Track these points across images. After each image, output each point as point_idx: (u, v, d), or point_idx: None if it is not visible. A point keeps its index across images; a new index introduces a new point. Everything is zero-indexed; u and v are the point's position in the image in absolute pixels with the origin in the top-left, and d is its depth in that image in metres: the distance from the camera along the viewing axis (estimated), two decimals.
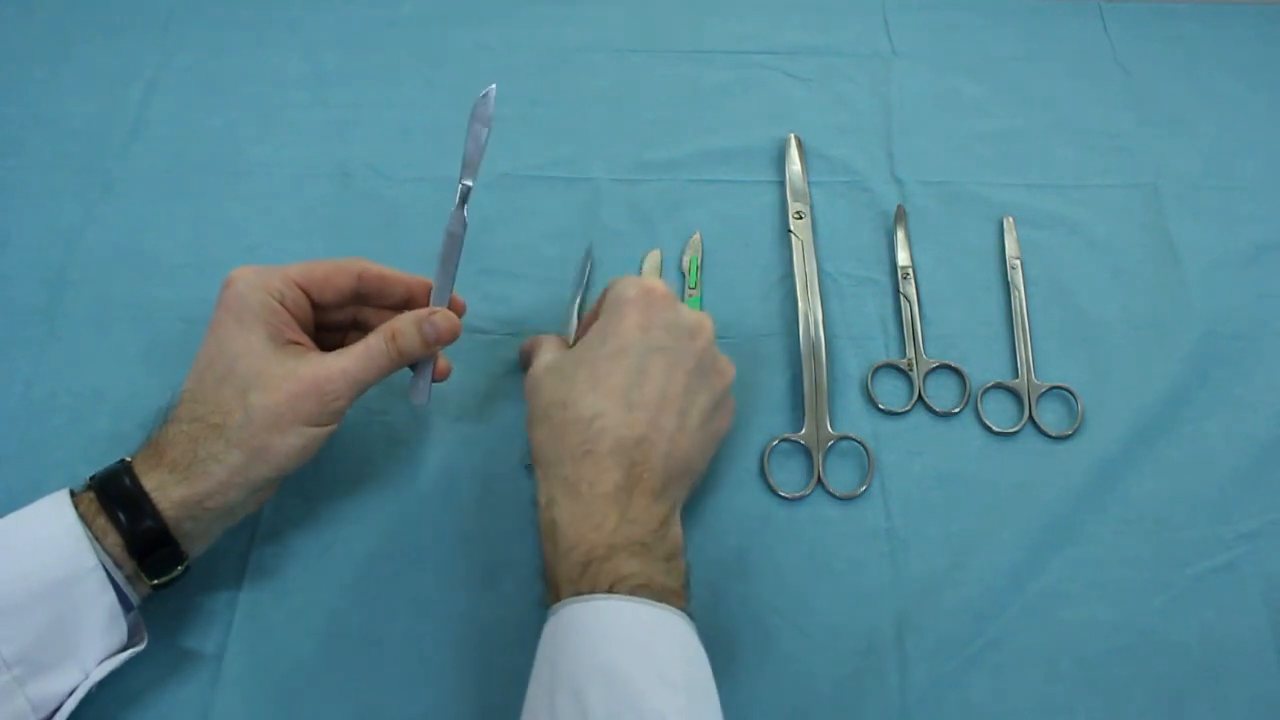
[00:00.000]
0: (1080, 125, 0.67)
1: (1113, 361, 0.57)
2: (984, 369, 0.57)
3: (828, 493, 0.53)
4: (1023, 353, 0.57)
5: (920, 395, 0.56)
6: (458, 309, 0.48)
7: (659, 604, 0.39)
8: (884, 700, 0.47)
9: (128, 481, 0.41)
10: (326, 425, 0.44)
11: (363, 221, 0.61)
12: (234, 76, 0.67)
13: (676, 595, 0.40)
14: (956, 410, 0.55)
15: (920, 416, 0.56)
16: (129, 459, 0.42)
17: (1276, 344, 0.58)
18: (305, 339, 0.46)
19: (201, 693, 0.46)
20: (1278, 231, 0.63)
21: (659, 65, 0.69)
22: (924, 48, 0.71)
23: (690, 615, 0.41)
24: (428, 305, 0.48)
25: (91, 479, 0.42)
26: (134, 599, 0.42)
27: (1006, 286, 0.60)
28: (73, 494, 0.41)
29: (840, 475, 0.53)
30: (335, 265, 0.47)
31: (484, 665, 0.47)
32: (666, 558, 0.42)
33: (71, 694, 0.39)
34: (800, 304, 0.57)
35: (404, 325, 0.46)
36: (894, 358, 0.57)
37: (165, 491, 0.41)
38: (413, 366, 0.49)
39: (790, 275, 0.59)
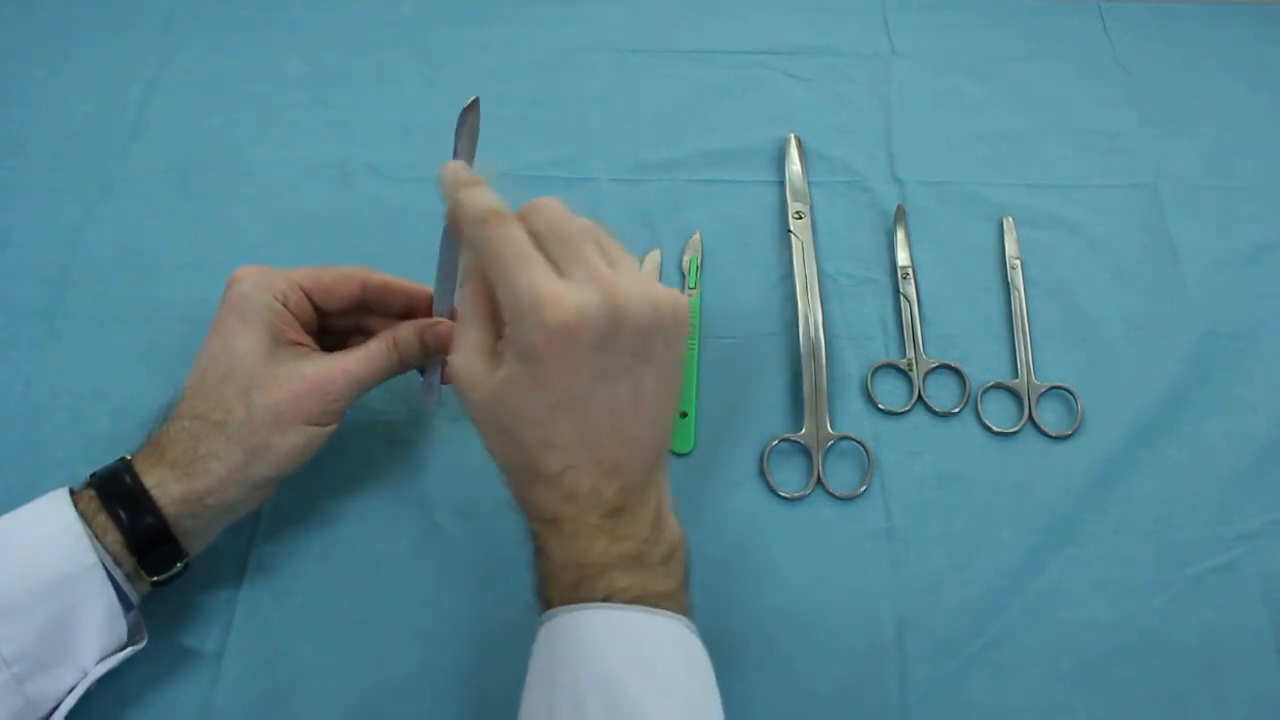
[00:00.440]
0: (1080, 125, 0.67)
1: (1113, 361, 0.57)
2: (984, 369, 0.57)
3: (828, 493, 0.53)
4: (1023, 353, 0.57)
5: (920, 395, 0.56)
6: (457, 318, 0.48)
7: (656, 611, 0.38)
8: (884, 700, 0.47)
9: (128, 479, 0.41)
10: (327, 425, 0.45)
11: (363, 221, 0.61)
12: (234, 76, 0.67)
13: (673, 597, 0.40)
14: (956, 410, 0.55)
15: (920, 416, 0.56)
16: (129, 456, 0.42)
17: (1276, 344, 0.58)
18: (308, 340, 0.46)
19: (201, 692, 0.46)
20: (1278, 231, 0.63)
21: (659, 65, 0.69)
22: (924, 48, 0.71)
23: (690, 615, 0.40)
24: (429, 315, 0.48)
25: (92, 477, 0.42)
26: (134, 597, 0.42)
27: (1006, 286, 0.60)
28: (72, 492, 0.41)
29: (840, 475, 0.53)
30: (340, 273, 0.47)
31: (484, 666, 0.47)
32: (663, 559, 0.41)
33: (71, 692, 0.39)
34: (800, 304, 0.57)
35: (406, 332, 0.46)
36: (894, 358, 0.57)
37: (165, 488, 0.41)
38: (422, 371, 0.49)
39: (790, 275, 0.59)
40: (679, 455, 0.53)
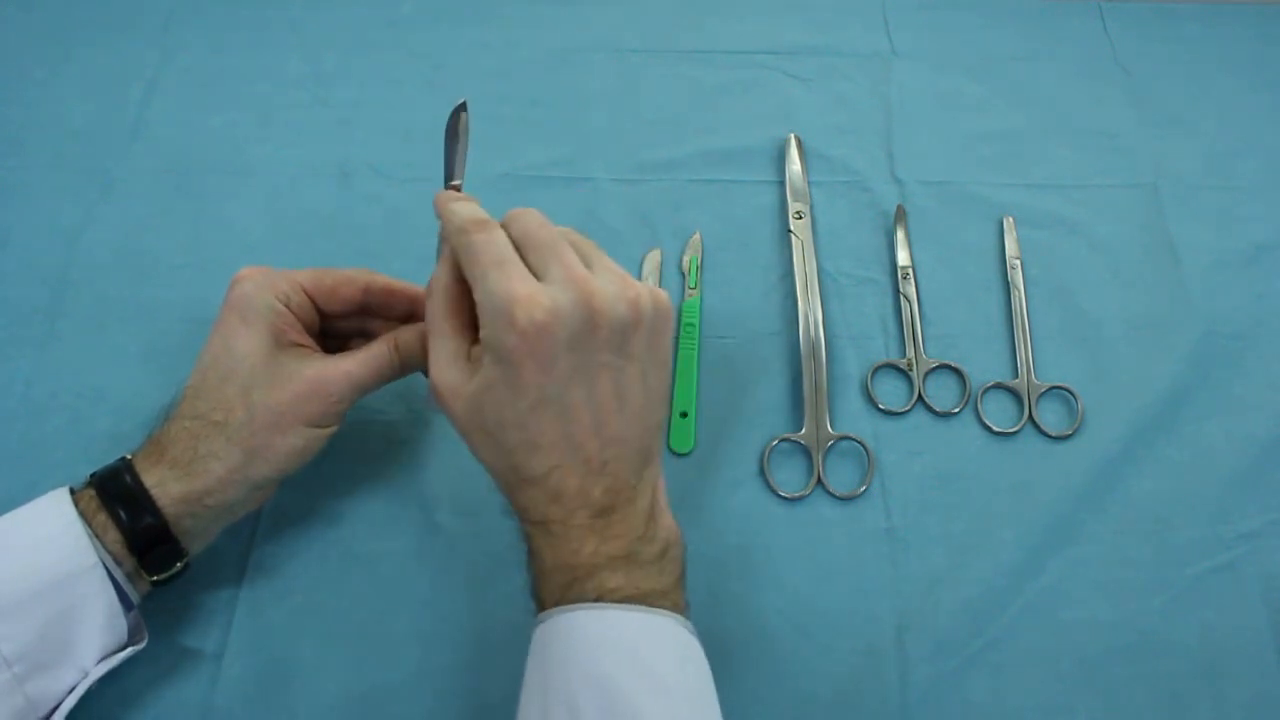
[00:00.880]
0: (1080, 125, 0.67)
1: (1113, 361, 0.57)
2: (984, 369, 0.57)
3: (828, 493, 0.53)
4: (1023, 353, 0.57)
5: (920, 395, 0.56)
6: None
7: (650, 609, 0.38)
8: (884, 700, 0.47)
9: (128, 478, 0.41)
10: (327, 427, 0.45)
11: (363, 221, 0.61)
12: (234, 76, 0.67)
13: (667, 595, 0.40)
14: (956, 410, 0.55)
15: (920, 416, 0.56)
16: (130, 456, 0.42)
17: (1276, 344, 0.58)
18: (310, 342, 0.46)
19: (201, 692, 0.46)
20: (1278, 231, 0.63)
21: (659, 65, 0.69)
22: (924, 48, 0.71)
23: (686, 611, 0.41)
24: None
25: (92, 476, 0.42)
26: (134, 597, 0.42)
27: (1006, 286, 0.60)
28: (73, 491, 0.41)
29: (840, 475, 0.53)
30: (343, 276, 0.47)
31: (484, 665, 0.47)
32: (657, 557, 0.41)
33: (71, 692, 0.39)
34: (800, 304, 0.57)
35: (407, 336, 0.46)
36: (894, 358, 0.57)
37: (165, 488, 0.41)
38: (425, 374, 0.49)
39: (790, 275, 0.59)
40: (679, 455, 0.53)
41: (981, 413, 0.55)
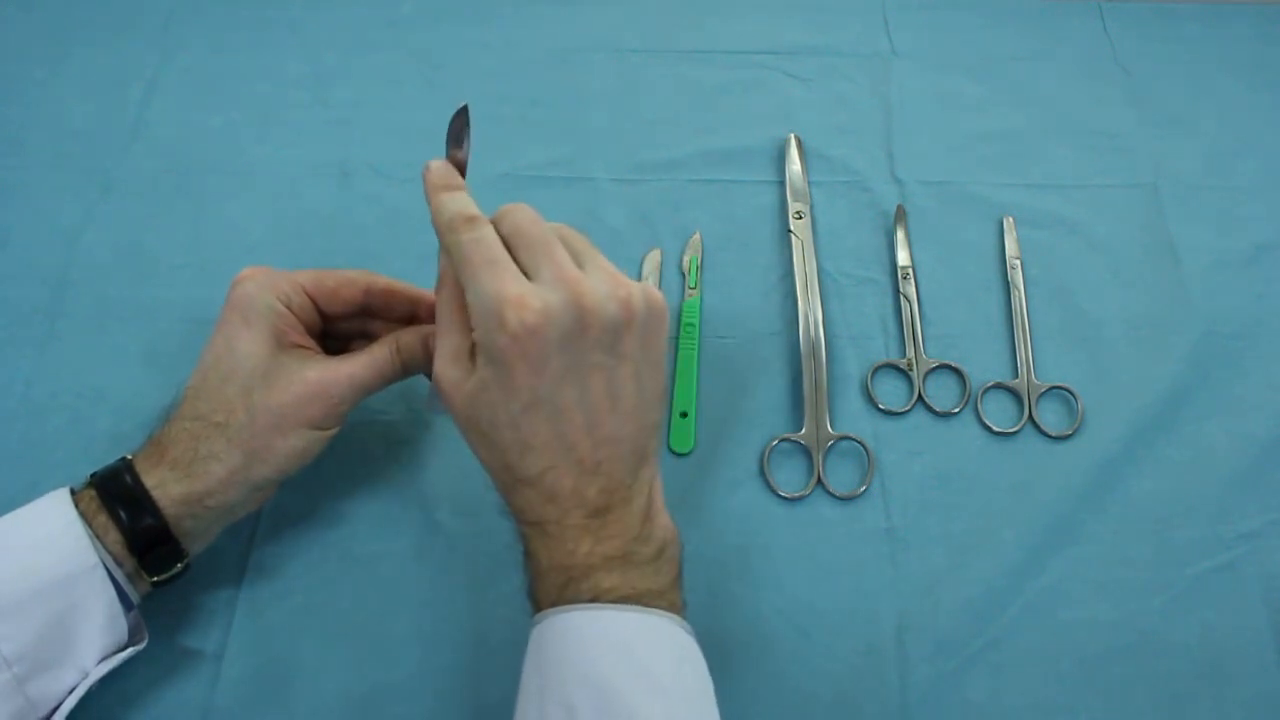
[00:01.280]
0: (1080, 125, 0.67)
1: (1113, 361, 0.57)
2: (984, 369, 0.57)
3: (828, 493, 0.53)
4: (1023, 353, 0.57)
5: (920, 395, 0.56)
6: None
7: (646, 609, 0.38)
8: (884, 700, 0.47)
9: (128, 479, 0.41)
10: (329, 429, 0.45)
11: (363, 221, 0.61)
12: (234, 76, 0.67)
13: (664, 595, 0.40)
14: (956, 410, 0.55)
15: (920, 416, 0.56)
16: (130, 456, 0.42)
17: (1276, 344, 0.58)
18: (311, 343, 0.46)
19: (201, 692, 0.46)
20: (1278, 231, 0.63)
21: (659, 65, 0.69)
22: (924, 48, 0.71)
23: (683, 611, 0.40)
24: (432, 320, 0.48)
25: (92, 476, 0.42)
26: (134, 597, 0.42)
27: (1006, 286, 0.60)
28: (73, 492, 0.41)
29: (840, 475, 0.53)
30: (344, 277, 0.47)
31: (484, 666, 0.47)
32: (653, 557, 0.41)
33: (71, 692, 0.39)
34: (800, 304, 0.57)
35: (409, 338, 0.46)
36: (894, 358, 0.57)
37: (166, 489, 0.41)
38: (428, 375, 0.49)
39: (790, 275, 0.59)
40: (679, 455, 0.53)
41: (981, 413, 0.55)
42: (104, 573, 0.40)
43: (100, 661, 0.40)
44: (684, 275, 0.60)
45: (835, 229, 0.62)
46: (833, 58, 0.70)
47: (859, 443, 0.54)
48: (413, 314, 0.48)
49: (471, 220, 0.39)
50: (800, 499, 0.52)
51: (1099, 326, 0.58)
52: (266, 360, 0.43)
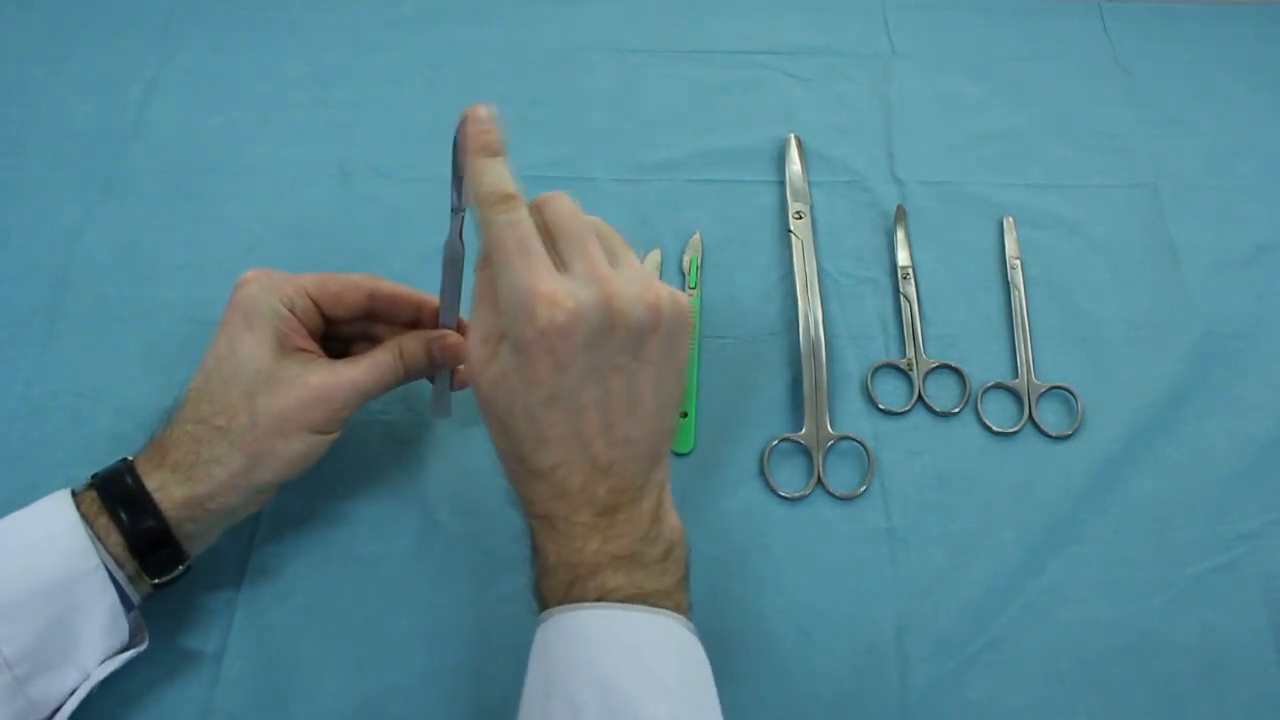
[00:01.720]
0: (1080, 125, 0.67)
1: (1113, 361, 0.57)
2: (984, 369, 0.57)
3: (828, 493, 0.53)
4: (1023, 353, 0.57)
5: (920, 395, 0.56)
6: (465, 332, 0.48)
7: (652, 609, 0.38)
8: (884, 700, 0.47)
9: (129, 481, 0.41)
10: (331, 432, 0.45)
11: (363, 221, 0.61)
12: (234, 76, 0.67)
13: (670, 596, 0.40)
14: (956, 410, 0.55)
15: (920, 416, 0.56)
16: (131, 458, 0.42)
17: (1276, 344, 0.58)
18: (313, 346, 0.46)
19: (201, 693, 0.46)
20: (1278, 231, 0.63)
21: (659, 65, 0.69)
22: (924, 48, 0.71)
23: (688, 612, 0.40)
24: (435, 325, 0.48)
25: (93, 478, 0.42)
26: (135, 598, 0.42)
27: (1006, 286, 0.60)
28: (74, 493, 0.41)
29: (840, 475, 0.53)
30: (348, 281, 0.47)
31: (484, 665, 0.47)
32: (660, 558, 0.41)
33: (73, 694, 0.39)
34: (800, 304, 0.57)
35: (412, 344, 0.46)
36: (894, 358, 0.57)
37: (167, 492, 0.41)
38: (431, 379, 0.49)
39: (790, 275, 0.59)
40: (679, 455, 0.54)
41: (981, 413, 0.55)
42: (105, 574, 0.40)
43: (101, 663, 0.40)
44: (684, 275, 0.60)
45: (835, 229, 0.62)
46: (833, 58, 0.70)
47: (859, 443, 0.54)
48: (416, 318, 0.48)
49: (507, 199, 0.38)
50: (800, 499, 0.52)
51: (1099, 326, 0.59)
52: (269, 364, 0.43)
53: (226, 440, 0.42)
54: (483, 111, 0.40)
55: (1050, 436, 0.55)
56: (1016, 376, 0.57)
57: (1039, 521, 0.52)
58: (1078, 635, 0.49)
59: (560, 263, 0.38)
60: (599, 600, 0.38)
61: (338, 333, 0.48)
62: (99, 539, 0.40)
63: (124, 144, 0.63)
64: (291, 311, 0.44)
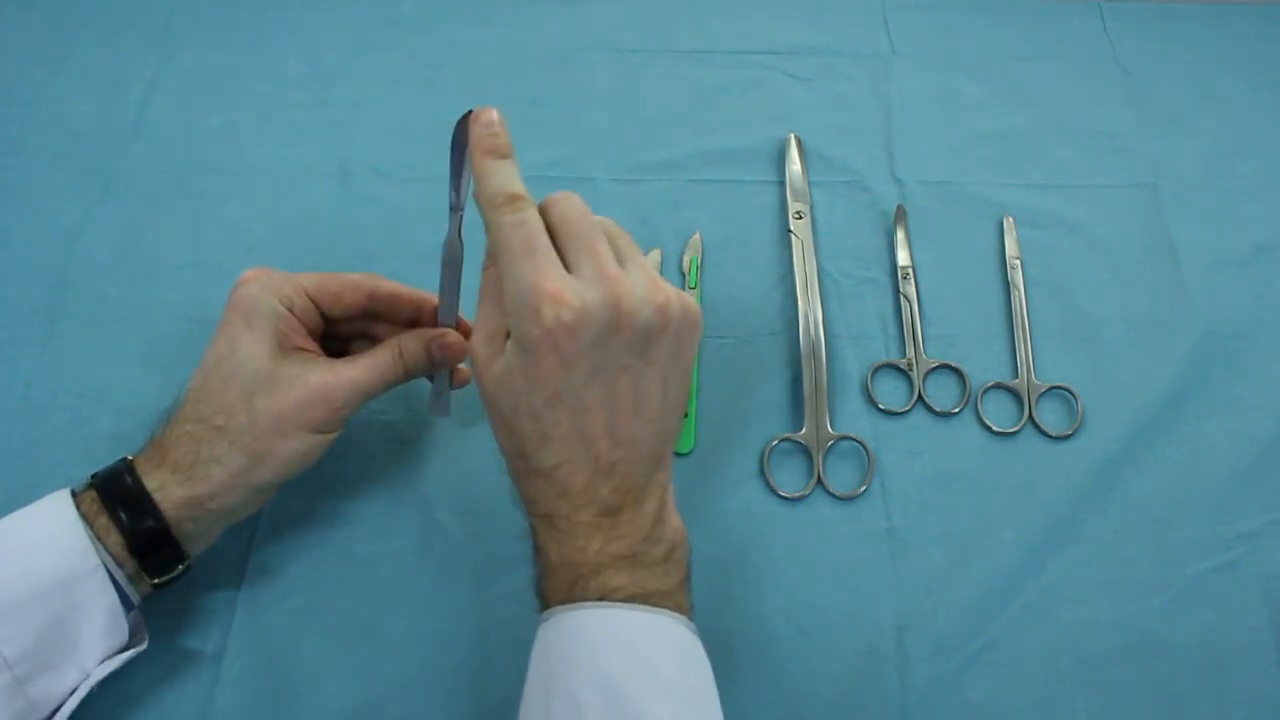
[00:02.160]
0: (1080, 125, 0.67)
1: (1113, 361, 0.57)
2: (984, 369, 0.57)
3: (828, 493, 0.53)
4: (1023, 353, 0.57)
5: (920, 395, 0.56)
6: (465, 331, 0.48)
7: (653, 610, 0.38)
8: (884, 700, 0.47)
9: (129, 481, 0.41)
10: (330, 432, 0.45)
11: (363, 221, 0.61)
12: (234, 76, 0.67)
13: (671, 596, 0.40)
14: (956, 410, 0.55)
15: (920, 416, 0.56)
16: (131, 458, 0.42)
17: (1276, 344, 0.58)
18: (313, 346, 0.46)
19: (201, 693, 0.46)
20: (1278, 231, 0.63)
21: (659, 65, 0.69)
22: (924, 48, 0.71)
23: (689, 612, 0.41)
24: (434, 324, 0.48)
25: (93, 478, 0.42)
26: (134, 598, 0.42)
27: (1006, 286, 0.60)
28: (74, 493, 0.41)
29: (840, 475, 0.53)
30: (348, 281, 0.47)
31: (484, 665, 0.47)
32: (663, 558, 0.41)
33: (73, 694, 0.39)
34: (800, 304, 0.57)
35: (412, 343, 0.46)
36: (894, 358, 0.57)
37: (167, 492, 0.41)
38: (430, 378, 0.49)
39: (790, 275, 0.59)
40: (679, 455, 0.53)
41: (981, 413, 0.55)
42: (105, 574, 0.40)
43: (101, 662, 0.40)
44: (684, 275, 0.60)
45: (835, 229, 0.62)
46: (833, 58, 0.70)
47: (859, 443, 0.54)
48: (415, 317, 0.48)
49: (513, 200, 0.38)
50: (800, 499, 0.52)
51: (1099, 326, 0.59)
52: (268, 363, 0.43)
53: (226, 440, 0.42)
54: (489, 115, 0.40)
55: (1050, 436, 0.55)
56: (1016, 376, 0.57)
57: (1039, 521, 0.52)
58: (1078, 635, 0.49)
59: (568, 263, 0.38)
60: (601, 600, 0.38)
61: (337, 332, 0.48)
62: (99, 539, 0.40)
63: (124, 144, 0.63)
64: (291, 311, 0.44)
